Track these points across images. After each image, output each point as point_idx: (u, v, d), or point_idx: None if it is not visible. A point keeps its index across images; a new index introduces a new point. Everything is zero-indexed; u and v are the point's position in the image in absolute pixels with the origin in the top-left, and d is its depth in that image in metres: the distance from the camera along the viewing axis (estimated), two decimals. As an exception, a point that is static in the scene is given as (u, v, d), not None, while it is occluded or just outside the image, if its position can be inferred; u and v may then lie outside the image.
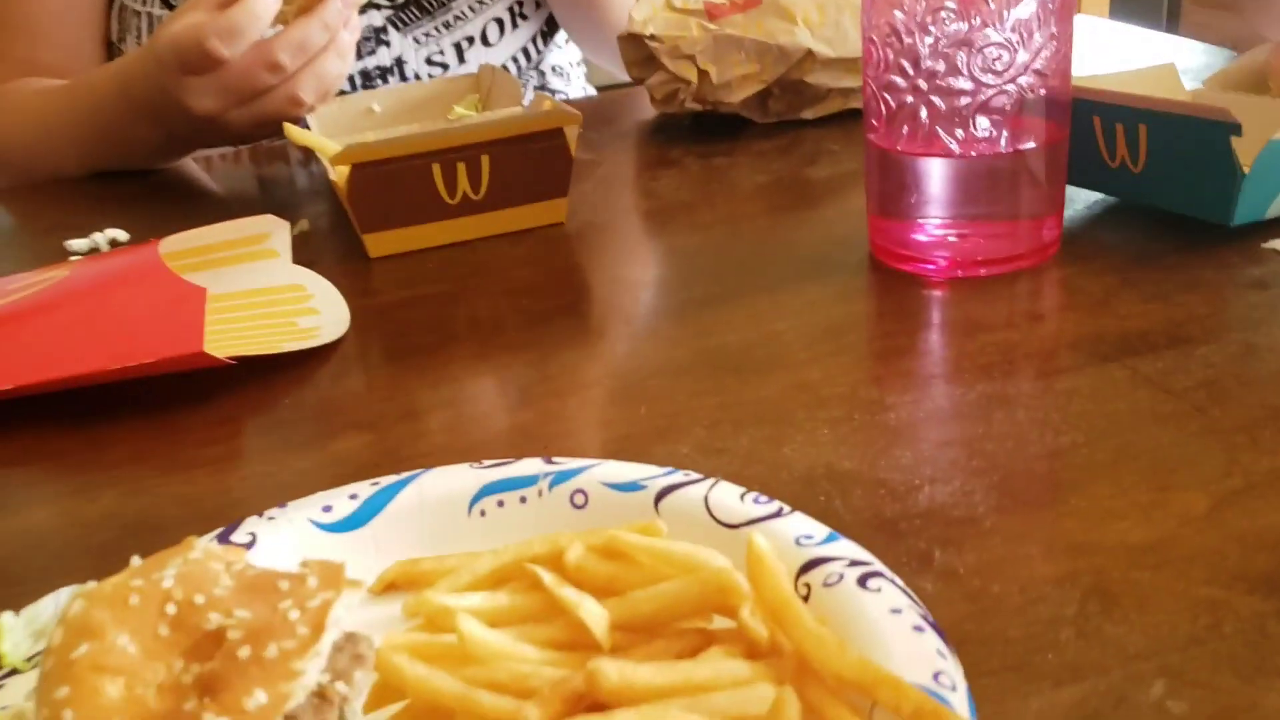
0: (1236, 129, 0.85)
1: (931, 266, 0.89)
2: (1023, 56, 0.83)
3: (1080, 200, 1.04)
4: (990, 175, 0.87)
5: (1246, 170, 0.86)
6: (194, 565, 0.48)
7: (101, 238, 1.19)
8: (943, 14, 0.83)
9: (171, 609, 0.45)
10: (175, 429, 0.81)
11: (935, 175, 0.87)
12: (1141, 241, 0.95)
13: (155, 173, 1.48)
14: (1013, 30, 0.83)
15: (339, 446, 0.77)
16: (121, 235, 1.20)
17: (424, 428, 0.78)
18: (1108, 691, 0.50)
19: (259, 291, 0.96)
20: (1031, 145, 0.86)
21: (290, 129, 1.12)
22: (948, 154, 0.86)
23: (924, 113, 0.86)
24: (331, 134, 1.29)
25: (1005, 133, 0.86)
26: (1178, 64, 1.10)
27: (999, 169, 0.86)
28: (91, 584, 0.47)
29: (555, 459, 0.66)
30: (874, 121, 0.90)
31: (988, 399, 0.74)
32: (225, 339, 0.88)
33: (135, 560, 0.50)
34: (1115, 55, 1.48)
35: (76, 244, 1.18)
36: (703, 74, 1.27)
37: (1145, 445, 0.67)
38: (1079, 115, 0.94)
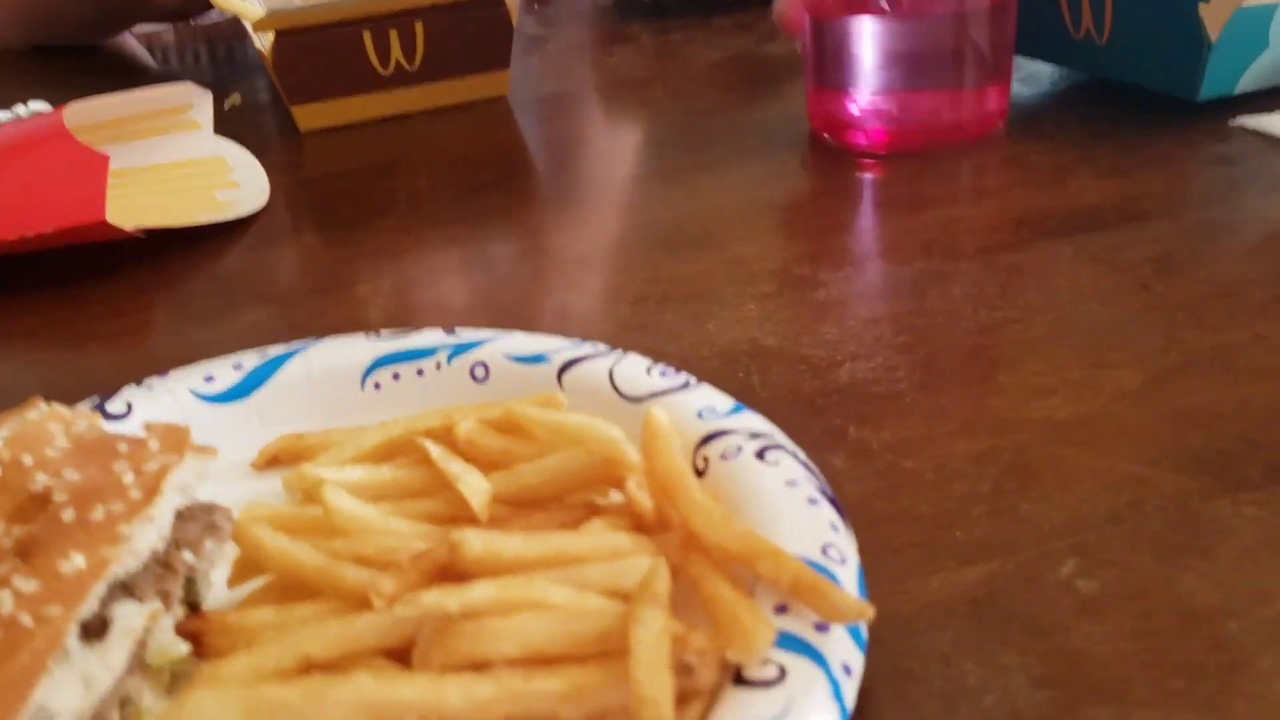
0: (1205, -6, 0.80)
1: (868, 140, 0.84)
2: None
3: (1044, 75, 0.99)
4: (930, 40, 0.81)
5: (1214, 39, 0.81)
6: (29, 426, 0.45)
7: (24, 109, 1.13)
8: None
9: (-5, 471, 0.42)
10: (78, 302, 0.77)
11: (869, 41, 0.82)
12: (1104, 118, 0.90)
13: (94, 49, 1.42)
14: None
15: (245, 319, 0.73)
16: (45, 107, 1.14)
17: (335, 301, 0.74)
18: (1015, 570, 0.47)
19: (177, 165, 0.91)
20: (974, 8, 0.81)
21: (215, -6, 1.06)
22: (882, 14, 0.80)
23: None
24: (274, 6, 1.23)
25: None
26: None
27: (939, 34, 0.81)
28: (-87, 445, 0.44)
29: (457, 330, 0.62)
30: (815, -16, 0.84)
31: (923, 275, 0.70)
32: (136, 210, 0.83)
33: (-28, 423, 0.46)
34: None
35: (-2, 116, 1.13)
36: (659, -56, 1.21)
37: (1083, 322, 0.64)
38: (1044, -17, 0.89)
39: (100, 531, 0.40)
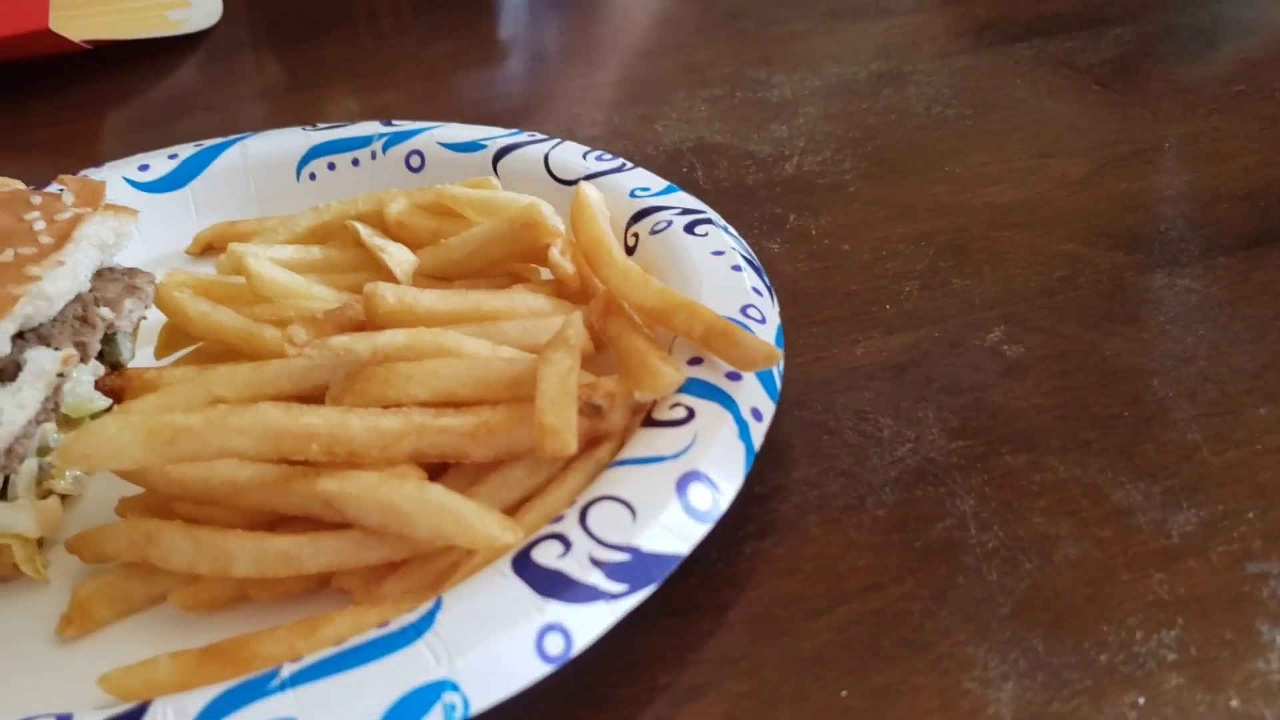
0: None
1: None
2: None
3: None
4: None
5: None
6: (-64, 183, 0.44)
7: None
8: None
9: (-99, 220, 0.42)
10: (21, 113, 0.76)
11: None
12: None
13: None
14: None
15: (186, 125, 0.72)
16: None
17: (278, 107, 0.73)
18: (941, 337, 0.47)
19: (126, -18, 0.89)
20: None
21: None
22: None
23: None
24: None
25: None
26: None
27: None
28: None
29: (394, 121, 0.61)
30: None
31: (879, 77, 0.68)
32: (83, 24, 0.81)
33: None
34: None
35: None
36: None
37: (1036, 117, 0.62)
38: None
39: (8, 271, 0.39)
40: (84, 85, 0.80)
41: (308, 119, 0.71)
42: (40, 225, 0.41)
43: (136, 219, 0.47)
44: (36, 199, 0.43)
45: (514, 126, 0.63)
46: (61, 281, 0.41)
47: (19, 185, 0.47)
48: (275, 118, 0.72)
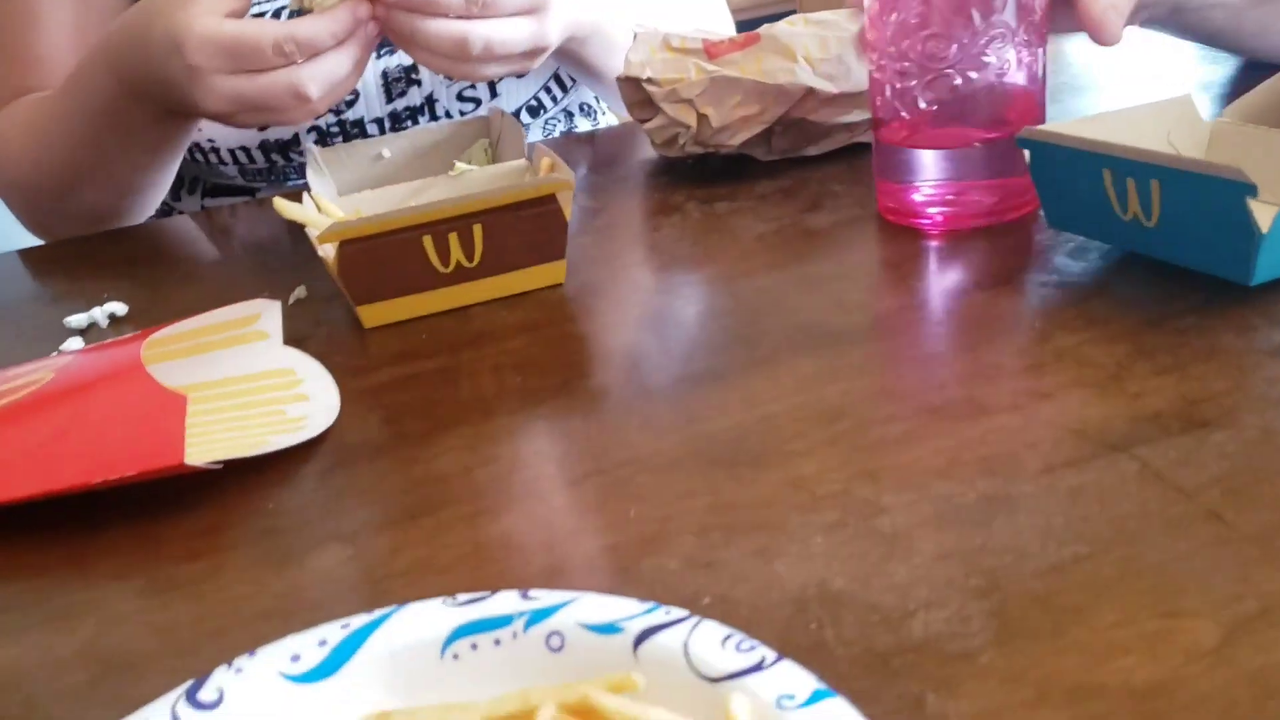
0: (1252, 190, 0.80)
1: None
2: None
3: (1094, 250, 1.00)
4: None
5: (1265, 230, 0.82)
6: None
7: (100, 313, 1.17)
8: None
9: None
10: (156, 540, 0.80)
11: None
12: (1158, 299, 0.90)
13: (156, 234, 1.47)
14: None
15: (318, 563, 0.75)
16: (120, 309, 1.18)
17: (405, 539, 0.76)
18: None
19: (245, 378, 0.94)
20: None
21: (280, 203, 1.09)
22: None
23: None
24: (338, 177, 1.28)
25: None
26: (1193, 77, 1.05)
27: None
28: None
29: (531, 593, 0.63)
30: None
31: (988, 500, 0.70)
32: (208, 440, 0.86)
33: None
34: (1127, 63, 1.43)
35: (75, 320, 1.18)
36: (702, 117, 1.23)
37: (1153, 559, 0.64)
38: (1089, 167, 0.90)
39: None
40: (211, 501, 0.84)
41: (431, 551, 0.74)
42: None
43: None
44: None
45: (634, 562, 0.66)
46: None
47: None
48: (402, 550, 0.75)
